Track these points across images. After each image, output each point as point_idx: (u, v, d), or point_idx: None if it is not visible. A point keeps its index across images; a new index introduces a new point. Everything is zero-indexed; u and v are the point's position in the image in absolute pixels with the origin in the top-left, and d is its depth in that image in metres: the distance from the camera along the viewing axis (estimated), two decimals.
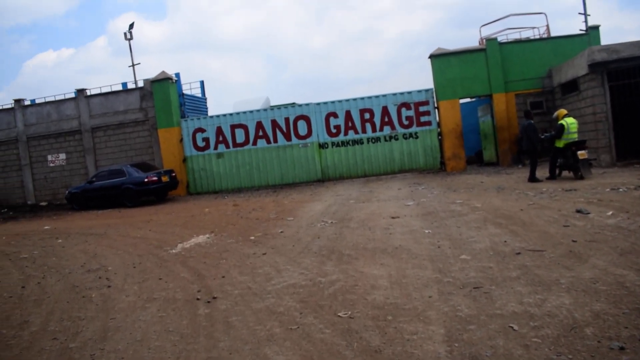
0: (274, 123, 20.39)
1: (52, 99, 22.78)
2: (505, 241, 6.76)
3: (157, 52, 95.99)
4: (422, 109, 19.78)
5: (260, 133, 20.50)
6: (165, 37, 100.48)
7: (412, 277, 5.50)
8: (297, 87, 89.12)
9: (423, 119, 19.78)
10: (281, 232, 9.42)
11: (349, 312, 4.56)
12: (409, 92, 19.77)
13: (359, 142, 20.11)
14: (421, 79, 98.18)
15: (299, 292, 5.35)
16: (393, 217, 9.79)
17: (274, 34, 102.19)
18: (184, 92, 22.94)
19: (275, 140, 20.43)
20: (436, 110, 19.74)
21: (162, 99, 20.88)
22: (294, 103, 20.58)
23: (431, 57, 19.69)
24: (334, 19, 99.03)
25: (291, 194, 16.78)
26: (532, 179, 13.24)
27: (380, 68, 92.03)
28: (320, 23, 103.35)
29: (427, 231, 8.01)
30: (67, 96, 22.55)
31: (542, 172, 13.86)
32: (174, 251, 8.61)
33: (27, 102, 23.21)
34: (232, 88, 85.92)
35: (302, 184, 20.03)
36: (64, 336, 4.80)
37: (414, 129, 19.77)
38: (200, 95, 25.06)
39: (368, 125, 20.04)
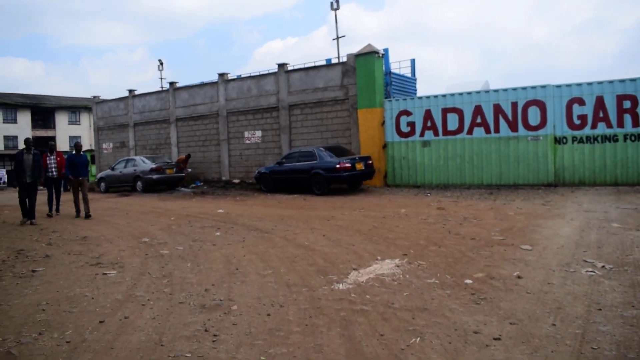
0: (497, 108, 16.01)
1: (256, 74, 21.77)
2: None
3: (372, 41, 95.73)
4: None
5: (478, 120, 16.32)
6: (381, 27, 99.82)
7: None
8: (512, 80, 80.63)
9: None
10: (518, 276, 5.55)
11: None
12: None
13: (612, 138, 14.60)
14: None
15: None
16: None
17: (491, 25, 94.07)
18: (392, 70, 19.85)
19: (497, 130, 16.04)
20: None
21: (365, 75, 18.05)
22: (525, 87, 15.93)
23: None
24: (557, 8, 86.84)
25: (514, 200, 12.47)
26: None
27: (610, 61, 77.86)
28: (542, 12, 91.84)
29: None
30: (270, 71, 21.27)
31: None
32: (340, 287, 5.39)
33: (230, 77, 22.58)
34: (442, 78, 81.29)
35: (526, 186, 15.34)
36: None
37: None
38: (410, 75, 21.77)
39: (627, 117, 14.39)
